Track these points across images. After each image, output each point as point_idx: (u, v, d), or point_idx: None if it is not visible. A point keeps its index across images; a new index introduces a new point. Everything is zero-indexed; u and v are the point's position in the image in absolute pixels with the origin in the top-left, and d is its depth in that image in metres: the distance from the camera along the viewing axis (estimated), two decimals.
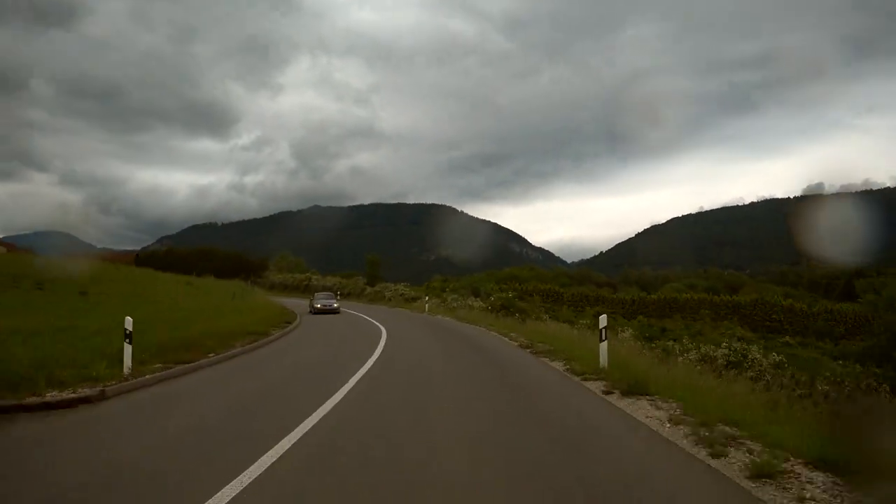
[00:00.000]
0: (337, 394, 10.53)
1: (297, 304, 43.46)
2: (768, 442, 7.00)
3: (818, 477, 5.83)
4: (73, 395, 10.49)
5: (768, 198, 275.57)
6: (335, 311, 38.31)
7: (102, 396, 10.92)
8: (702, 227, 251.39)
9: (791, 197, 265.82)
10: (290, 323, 29.40)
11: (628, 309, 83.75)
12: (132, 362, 13.07)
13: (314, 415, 8.74)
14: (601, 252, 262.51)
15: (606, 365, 12.66)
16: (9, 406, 9.75)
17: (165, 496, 5.41)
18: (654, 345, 29.38)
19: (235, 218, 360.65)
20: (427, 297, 46.74)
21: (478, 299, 46.09)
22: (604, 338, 12.93)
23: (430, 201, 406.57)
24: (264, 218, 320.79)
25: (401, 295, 57.16)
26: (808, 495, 5.40)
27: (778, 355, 23.00)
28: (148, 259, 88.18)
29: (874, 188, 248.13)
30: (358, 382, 11.86)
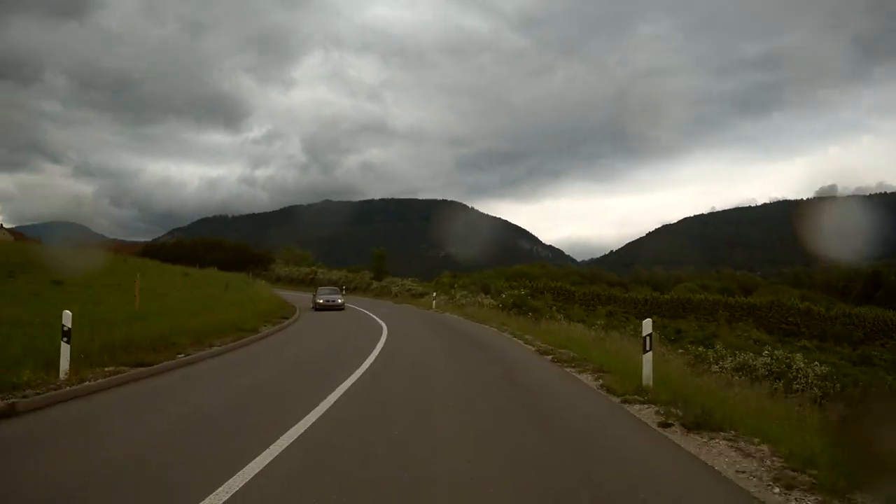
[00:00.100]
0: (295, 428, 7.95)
1: (300, 297, 41.11)
2: None
3: None
4: None
5: (780, 199, 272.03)
6: (339, 308, 35.32)
7: (11, 411, 8.43)
8: (713, 227, 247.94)
9: (803, 198, 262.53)
10: (286, 318, 27.07)
11: (640, 309, 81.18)
12: (73, 365, 10.78)
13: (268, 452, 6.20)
14: (611, 251, 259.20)
15: (651, 382, 10.05)
16: None
17: None
18: (680, 348, 26.83)
19: (246, 211, 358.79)
20: (434, 294, 44.08)
21: (488, 296, 43.54)
22: (648, 348, 10.26)
23: (440, 198, 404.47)
24: (274, 211, 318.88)
25: (408, 290, 54.71)
26: None
27: (821, 365, 20.53)
28: (156, 250, 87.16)
29: (888, 191, 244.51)
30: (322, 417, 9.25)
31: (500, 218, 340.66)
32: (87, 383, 10.31)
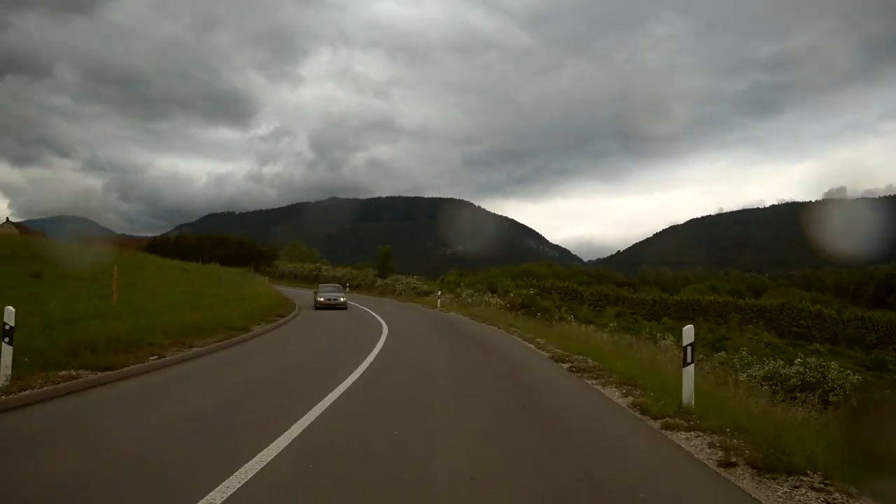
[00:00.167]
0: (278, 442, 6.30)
1: (302, 294, 39.46)
2: None
3: None
4: None
5: (789, 201, 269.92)
6: (342, 307, 33.01)
7: None
8: (721, 228, 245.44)
9: (812, 200, 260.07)
10: (282, 317, 25.50)
11: (649, 310, 79.95)
12: (17, 370, 9.28)
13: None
14: (618, 251, 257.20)
15: (693, 401, 8.34)
16: None
17: None
18: (699, 354, 25.09)
19: (253, 207, 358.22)
20: (440, 292, 42.38)
21: (494, 295, 41.89)
22: (689, 360, 8.54)
23: (447, 196, 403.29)
24: (281, 208, 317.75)
25: (413, 288, 53.12)
26: None
27: (854, 373, 18.86)
28: (160, 245, 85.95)
29: None
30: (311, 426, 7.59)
31: (506, 217, 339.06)
32: (26, 392, 8.70)
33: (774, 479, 5.50)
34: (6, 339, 9.11)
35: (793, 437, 6.43)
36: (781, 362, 20.75)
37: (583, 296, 78.25)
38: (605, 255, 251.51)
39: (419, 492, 5.04)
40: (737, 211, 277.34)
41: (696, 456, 6.39)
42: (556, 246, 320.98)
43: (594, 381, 11.05)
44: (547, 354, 15.21)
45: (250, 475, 5.20)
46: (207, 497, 4.66)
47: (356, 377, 10.71)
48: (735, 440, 6.61)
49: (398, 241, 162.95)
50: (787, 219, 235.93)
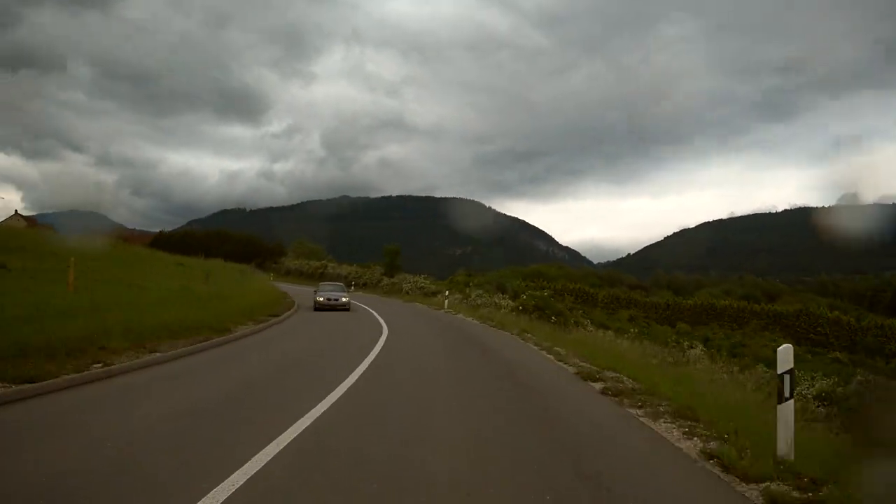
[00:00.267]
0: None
1: (305, 292, 36.96)
2: None
3: None
4: None
5: (802, 206, 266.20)
6: (343, 308, 29.64)
7: None
8: (732, 233, 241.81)
9: (825, 206, 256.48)
10: (275, 316, 23.19)
11: (662, 314, 77.78)
12: None
13: None
14: (628, 254, 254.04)
15: (792, 453, 5.86)
16: None
17: None
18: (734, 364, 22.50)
19: (263, 204, 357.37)
20: (447, 293, 39.84)
21: (505, 297, 39.39)
22: (789, 394, 6.04)
23: (458, 195, 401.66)
24: (292, 206, 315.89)
25: (420, 288, 50.65)
26: None
27: None
28: (166, 241, 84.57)
29: None
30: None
31: (517, 218, 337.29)
32: None
33: None
34: None
35: None
36: (835, 378, 18.25)
37: (596, 299, 75.89)
38: (615, 258, 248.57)
39: None
40: (749, 215, 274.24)
41: None
42: (566, 248, 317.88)
43: (639, 412, 8.47)
44: (571, 370, 12.59)
45: None
46: None
47: (325, 407, 8.12)
48: None
49: (407, 241, 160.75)
50: (800, 224, 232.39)
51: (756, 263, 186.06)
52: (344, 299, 30.18)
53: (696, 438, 6.97)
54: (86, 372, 10.00)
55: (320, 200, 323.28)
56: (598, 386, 10.45)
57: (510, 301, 35.99)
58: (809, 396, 15.54)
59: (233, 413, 7.59)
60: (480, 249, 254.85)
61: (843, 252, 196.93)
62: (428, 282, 53.67)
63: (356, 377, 10.43)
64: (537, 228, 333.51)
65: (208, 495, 4.45)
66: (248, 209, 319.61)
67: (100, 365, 10.64)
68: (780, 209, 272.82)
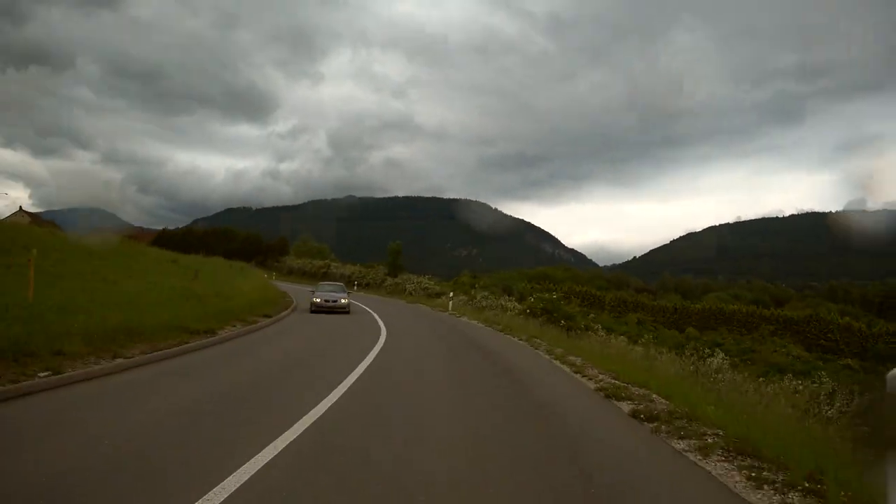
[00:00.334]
0: None
1: (305, 292, 35.29)
2: None
3: None
4: None
5: (808, 211, 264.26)
6: (342, 311, 27.13)
7: None
8: (739, 237, 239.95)
9: (832, 211, 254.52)
10: (267, 317, 21.63)
11: (669, 318, 76.23)
12: None
13: None
14: (634, 257, 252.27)
15: None
16: None
17: None
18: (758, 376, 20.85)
19: (269, 203, 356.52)
20: (451, 294, 38.20)
21: (511, 299, 37.81)
22: None
23: (464, 197, 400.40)
24: (298, 205, 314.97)
25: (424, 289, 49.06)
26: None
27: None
28: (169, 238, 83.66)
29: None
30: None
31: (522, 219, 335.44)
32: None
33: None
34: None
35: None
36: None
37: (603, 302, 74.33)
38: (620, 261, 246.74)
39: None
40: (755, 220, 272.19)
41: None
42: (572, 250, 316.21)
43: (682, 444, 6.77)
44: (591, 384, 10.88)
45: None
46: None
47: (297, 433, 6.54)
48: None
49: (413, 241, 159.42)
50: (807, 229, 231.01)
51: (762, 268, 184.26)
52: (343, 301, 27.62)
53: (767, 488, 5.32)
54: (27, 381, 8.47)
55: (326, 200, 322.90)
56: (625, 407, 8.79)
57: (517, 303, 34.43)
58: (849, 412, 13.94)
59: (185, 445, 6.00)
60: (486, 250, 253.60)
61: (851, 257, 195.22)
62: (432, 283, 52.14)
63: (344, 390, 8.87)
64: (543, 230, 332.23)
65: None
66: (253, 208, 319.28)
67: (46, 374, 9.10)
68: (787, 214, 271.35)
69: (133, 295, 18.85)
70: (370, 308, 30.43)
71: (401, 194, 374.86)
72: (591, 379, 11.45)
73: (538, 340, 18.90)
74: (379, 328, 20.57)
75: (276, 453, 5.55)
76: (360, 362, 11.89)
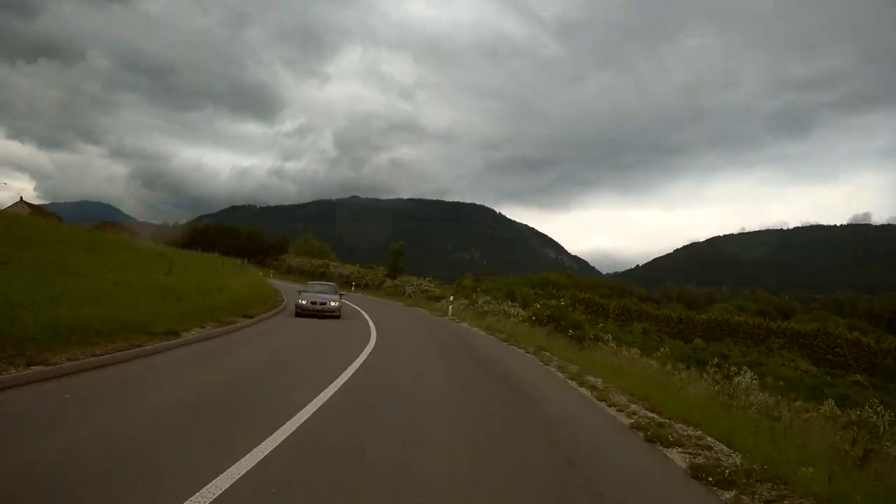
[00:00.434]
0: None
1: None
2: None
3: None
4: None
5: (813, 224, 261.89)
6: (332, 314, 23.53)
7: None
8: (743, 248, 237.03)
9: (837, 224, 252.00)
10: (249, 317, 19.36)
11: (674, 327, 74.29)
12: None
13: None
14: (637, 265, 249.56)
15: None
16: None
17: None
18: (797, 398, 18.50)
19: (274, 202, 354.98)
20: (451, 298, 35.81)
21: (515, 304, 35.48)
22: None
23: (468, 200, 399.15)
24: (302, 204, 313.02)
25: (423, 291, 46.75)
26: None
27: None
28: (168, 234, 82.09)
29: None
30: None
31: (526, 225, 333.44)
32: None
33: None
34: None
35: None
36: None
37: (607, 310, 72.11)
38: (623, 269, 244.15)
39: None
40: (760, 231, 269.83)
41: None
42: (575, 257, 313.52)
43: None
44: (624, 418, 8.40)
45: None
46: None
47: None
48: None
49: (416, 243, 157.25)
50: (811, 241, 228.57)
51: (766, 279, 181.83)
52: (333, 304, 23.82)
53: None
54: None
55: (330, 200, 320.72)
56: (678, 458, 6.43)
57: (521, 310, 32.15)
58: None
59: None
60: (489, 254, 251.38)
61: (856, 271, 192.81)
62: (432, 285, 49.86)
63: (307, 415, 6.54)
64: (547, 236, 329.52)
65: None
66: (258, 206, 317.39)
67: None
68: (791, 226, 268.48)
69: (98, 290, 16.61)
70: (364, 311, 28.05)
71: (405, 196, 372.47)
72: (620, 410, 9.04)
73: (547, 354, 16.44)
74: (369, 334, 18.23)
75: None
76: (335, 379, 9.57)
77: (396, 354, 14.61)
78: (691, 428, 7.73)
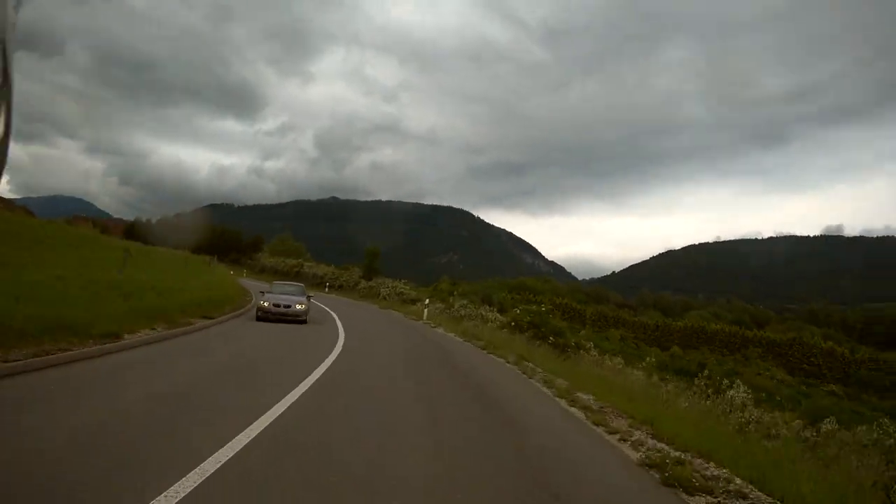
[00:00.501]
0: None
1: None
2: None
3: None
4: None
5: (787, 234, 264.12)
6: (297, 319, 20.69)
7: None
8: (717, 257, 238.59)
9: (811, 235, 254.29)
10: (209, 318, 17.86)
11: (651, 334, 73.77)
12: None
13: None
14: (613, 272, 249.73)
15: None
16: None
17: None
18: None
19: (252, 201, 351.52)
20: (427, 301, 34.29)
21: (492, 309, 34.08)
22: None
23: (448, 203, 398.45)
24: (280, 204, 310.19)
25: (399, 294, 45.25)
26: None
27: None
28: (141, 230, 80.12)
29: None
30: None
31: (504, 229, 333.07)
32: None
33: None
34: None
35: None
36: None
37: (584, 316, 71.19)
38: (599, 275, 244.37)
39: None
40: (734, 240, 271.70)
41: None
42: (552, 262, 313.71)
43: None
44: (630, 451, 6.95)
45: None
46: None
47: None
48: None
49: (393, 245, 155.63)
50: (785, 251, 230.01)
51: (740, 288, 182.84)
52: (299, 307, 20.97)
53: None
54: None
55: (310, 201, 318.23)
56: None
57: (498, 315, 30.77)
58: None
59: None
60: (466, 258, 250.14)
61: (829, 281, 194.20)
62: (408, 288, 48.37)
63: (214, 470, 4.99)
64: (524, 241, 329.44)
65: None
66: (236, 205, 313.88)
67: None
68: (765, 236, 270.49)
69: (35, 285, 14.93)
70: (335, 314, 26.43)
71: (385, 198, 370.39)
72: (623, 439, 7.52)
73: (530, 365, 14.88)
74: (336, 338, 16.65)
75: None
76: (273, 406, 7.96)
77: (362, 367, 13.04)
78: (713, 465, 6.30)
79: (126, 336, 12.14)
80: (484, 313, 31.07)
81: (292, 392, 8.43)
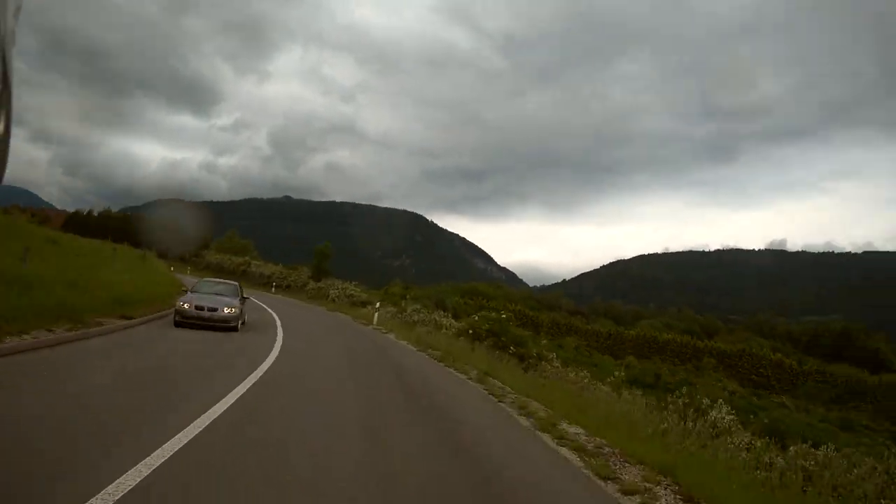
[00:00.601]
0: None
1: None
2: None
3: None
4: None
5: (733, 247, 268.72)
6: (226, 326, 16.94)
7: None
8: (665, 267, 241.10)
9: (755, 249, 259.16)
10: (128, 318, 15.49)
11: (603, 343, 72.88)
12: None
13: None
14: (563, 280, 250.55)
15: None
16: None
17: None
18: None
19: (203, 197, 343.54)
20: (378, 304, 32.02)
21: (447, 315, 32.12)
22: None
23: (403, 207, 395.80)
24: (232, 201, 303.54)
25: (349, 296, 42.99)
26: None
27: None
28: (83, 222, 76.70)
29: (836, 251, 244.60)
30: None
31: (458, 234, 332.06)
32: None
33: None
34: None
35: None
36: None
37: (538, 323, 69.86)
38: (550, 283, 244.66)
39: None
40: (682, 252, 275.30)
41: None
42: (504, 268, 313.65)
43: None
44: None
45: None
46: None
47: None
48: None
49: (346, 246, 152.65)
50: (730, 264, 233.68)
51: (686, 299, 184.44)
52: (228, 311, 17.12)
53: None
54: None
55: (262, 199, 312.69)
56: None
57: (454, 321, 28.80)
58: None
59: None
60: (418, 262, 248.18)
61: (771, 294, 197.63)
62: (359, 290, 46.12)
63: None
64: (477, 247, 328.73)
65: None
66: (186, 200, 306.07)
67: None
68: (712, 248, 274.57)
69: None
70: (279, 316, 23.98)
71: (339, 199, 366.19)
72: (623, 487, 5.36)
73: (497, 382, 12.65)
74: (267, 353, 14.08)
75: None
76: (175, 435, 5.79)
77: (294, 384, 10.82)
78: None
79: (6, 339, 9.77)
80: (438, 319, 29.11)
81: (214, 408, 6.19)
